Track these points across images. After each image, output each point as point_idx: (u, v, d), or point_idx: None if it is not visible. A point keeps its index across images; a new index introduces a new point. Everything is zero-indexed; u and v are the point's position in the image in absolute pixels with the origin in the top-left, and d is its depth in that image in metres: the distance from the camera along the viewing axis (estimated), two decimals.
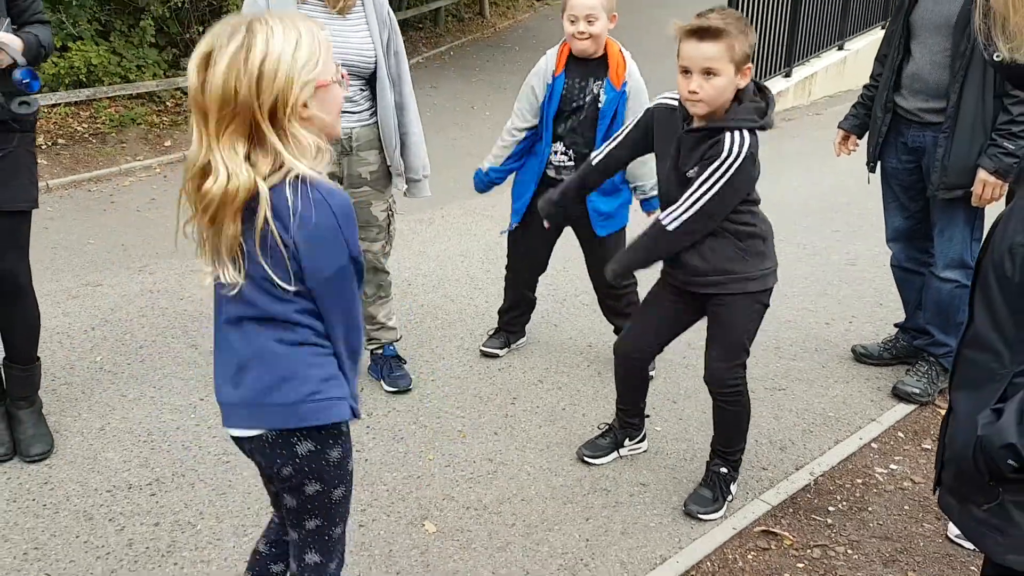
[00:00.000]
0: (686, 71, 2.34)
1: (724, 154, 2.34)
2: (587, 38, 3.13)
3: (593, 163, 2.73)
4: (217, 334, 1.72)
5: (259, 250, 1.55)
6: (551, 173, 3.34)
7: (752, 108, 2.39)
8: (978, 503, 1.39)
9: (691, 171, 2.43)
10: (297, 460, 1.68)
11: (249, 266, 1.58)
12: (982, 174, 2.99)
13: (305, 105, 1.54)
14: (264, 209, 1.52)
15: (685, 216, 2.40)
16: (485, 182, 3.51)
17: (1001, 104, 2.95)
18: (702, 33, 2.29)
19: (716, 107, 2.36)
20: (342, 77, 1.65)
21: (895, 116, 3.29)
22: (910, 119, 3.23)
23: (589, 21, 3.11)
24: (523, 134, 3.38)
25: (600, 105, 3.21)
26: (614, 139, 2.69)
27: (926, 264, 3.40)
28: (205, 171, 1.54)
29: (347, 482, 1.77)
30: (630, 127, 2.66)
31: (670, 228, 2.42)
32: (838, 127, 3.58)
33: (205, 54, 1.52)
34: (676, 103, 2.50)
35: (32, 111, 2.66)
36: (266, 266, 1.56)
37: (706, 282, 2.54)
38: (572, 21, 3.13)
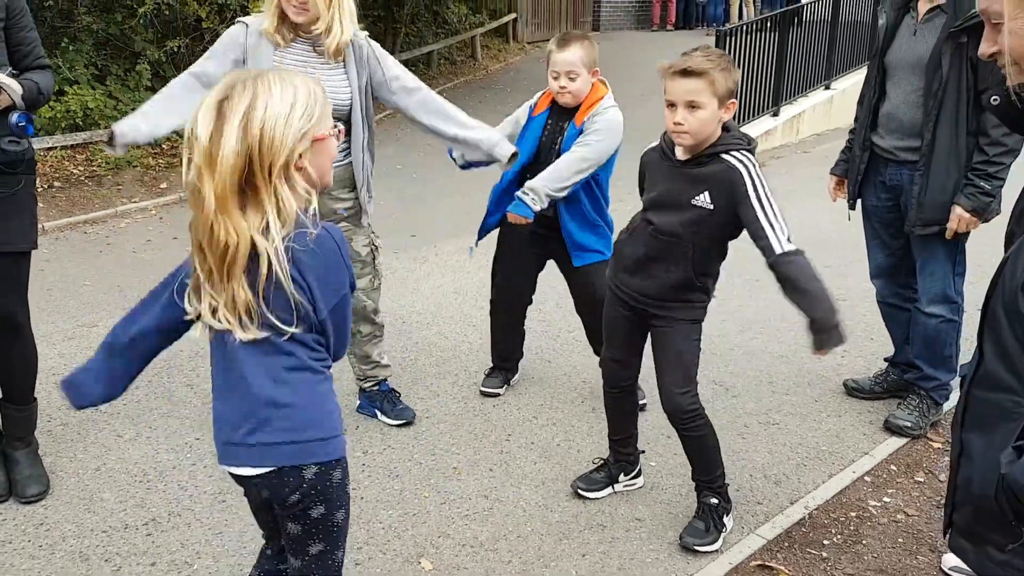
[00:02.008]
0: (671, 104, 2.44)
1: (744, 172, 2.43)
2: (568, 93, 3.22)
3: None
4: (221, 375, 1.76)
5: (262, 300, 1.62)
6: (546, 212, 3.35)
7: (739, 135, 2.51)
8: (999, 545, 1.36)
9: (698, 199, 2.50)
10: (305, 485, 1.74)
11: (259, 314, 1.64)
12: (958, 211, 3.06)
13: (301, 156, 1.61)
14: (267, 262, 1.58)
15: (786, 230, 2.41)
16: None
17: (975, 141, 3.03)
18: (685, 72, 2.39)
19: (701, 139, 2.46)
20: (338, 131, 1.72)
21: (873, 155, 3.36)
22: (887, 158, 3.31)
23: (570, 77, 3.20)
24: None
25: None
26: None
27: (911, 300, 3.45)
28: (213, 228, 1.59)
29: (346, 505, 1.84)
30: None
31: (792, 247, 2.40)
32: (830, 173, 3.64)
33: (216, 106, 1.58)
34: (658, 143, 2.62)
35: (21, 149, 2.70)
36: (270, 314, 1.63)
37: (655, 304, 2.63)
38: (555, 77, 3.23)
